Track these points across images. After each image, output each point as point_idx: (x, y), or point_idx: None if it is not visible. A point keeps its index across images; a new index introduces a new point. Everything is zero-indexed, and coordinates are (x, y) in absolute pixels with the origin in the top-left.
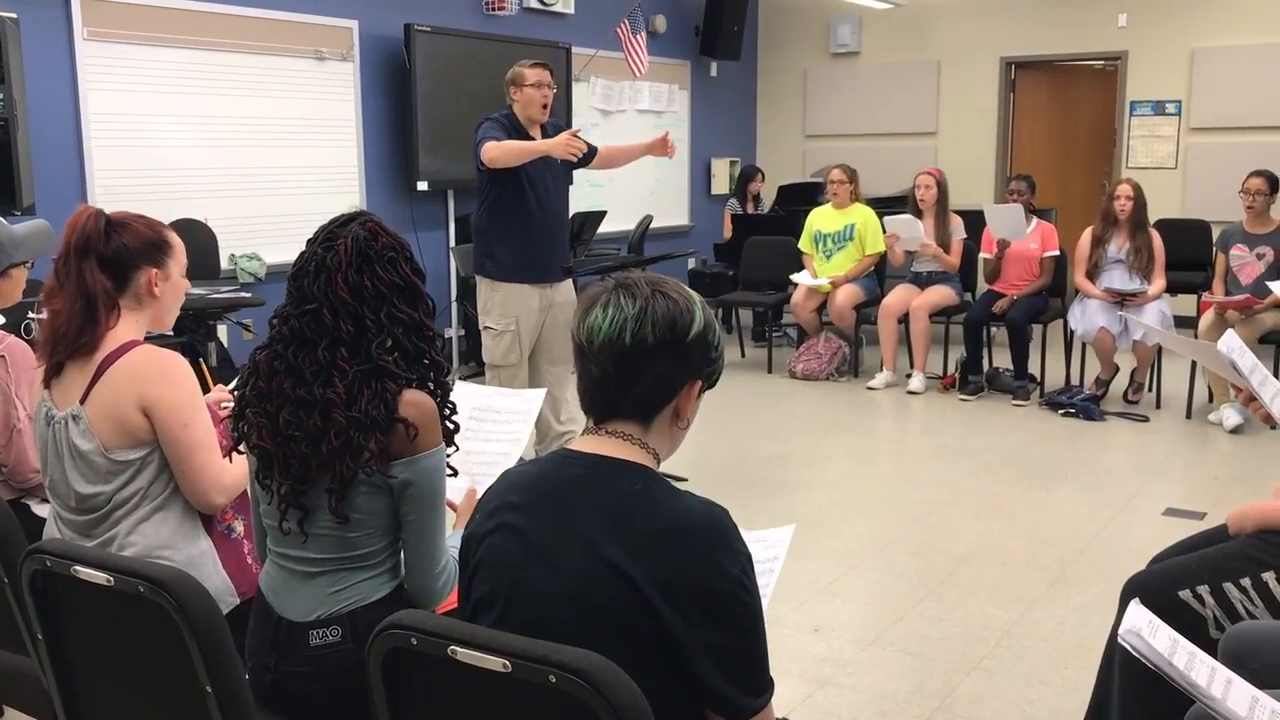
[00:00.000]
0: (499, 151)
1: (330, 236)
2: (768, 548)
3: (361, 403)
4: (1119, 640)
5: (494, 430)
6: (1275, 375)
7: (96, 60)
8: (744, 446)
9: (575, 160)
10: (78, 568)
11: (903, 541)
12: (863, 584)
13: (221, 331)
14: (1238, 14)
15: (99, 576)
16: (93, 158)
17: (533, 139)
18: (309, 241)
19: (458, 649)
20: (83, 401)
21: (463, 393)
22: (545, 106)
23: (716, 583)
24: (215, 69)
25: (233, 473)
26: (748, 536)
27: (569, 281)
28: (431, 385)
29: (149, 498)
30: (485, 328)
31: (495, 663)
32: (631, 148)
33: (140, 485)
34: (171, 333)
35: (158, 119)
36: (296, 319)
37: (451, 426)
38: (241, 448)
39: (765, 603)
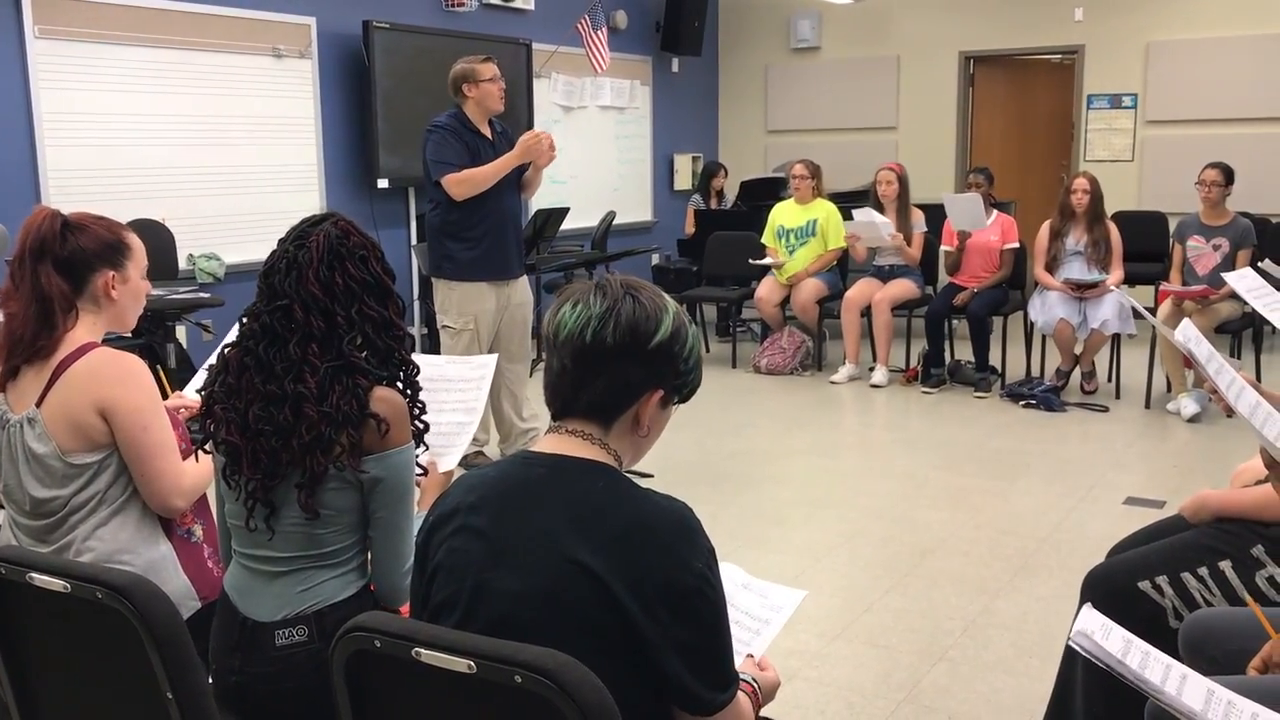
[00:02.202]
0: (467, 188)
1: (302, 235)
2: (768, 608)
3: (333, 398)
4: (1069, 642)
5: (448, 399)
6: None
7: (48, 59)
8: (709, 442)
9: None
10: (33, 575)
11: (867, 534)
12: (828, 577)
13: (180, 332)
14: (1192, 8)
15: (55, 583)
16: (46, 158)
17: (485, 136)
18: (280, 240)
19: (422, 651)
20: (39, 405)
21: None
22: (501, 99)
23: (682, 578)
24: (171, 67)
25: (192, 476)
26: (757, 584)
27: (525, 280)
28: (401, 384)
29: (106, 502)
30: (444, 327)
31: (460, 664)
32: (529, 178)
33: (97, 489)
34: (129, 334)
35: (113, 118)
36: (268, 315)
37: (421, 426)
38: (207, 448)
39: (761, 650)
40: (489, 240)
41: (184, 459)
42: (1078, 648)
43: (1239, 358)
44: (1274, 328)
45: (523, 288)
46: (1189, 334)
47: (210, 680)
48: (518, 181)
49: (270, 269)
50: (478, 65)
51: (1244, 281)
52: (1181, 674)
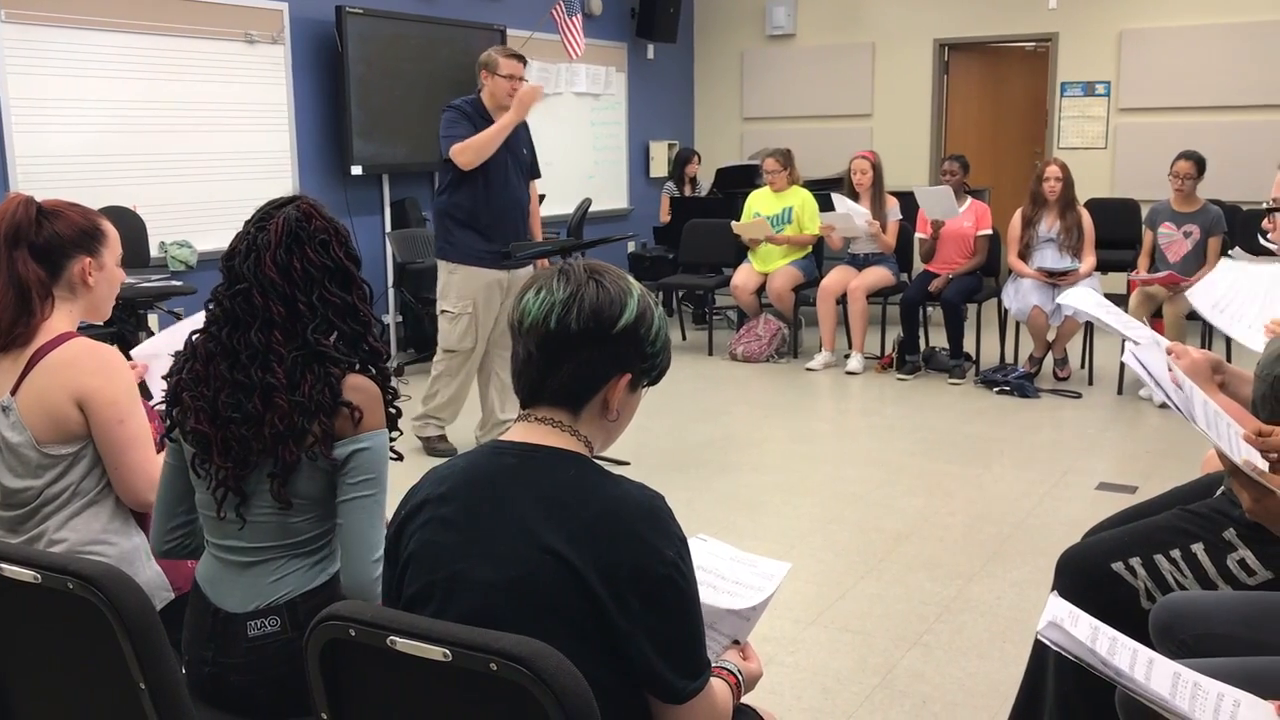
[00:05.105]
0: (470, 154)
1: (264, 218)
2: (761, 575)
3: (305, 387)
4: (1037, 636)
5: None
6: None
7: (16, 43)
8: (685, 429)
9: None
10: (3, 565)
11: (842, 520)
12: (804, 563)
13: (152, 321)
14: None
15: (25, 574)
16: (14, 144)
17: None
18: (246, 222)
19: (397, 639)
20: (14, 393)
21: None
22: (511, 96)
23: (652, 566)
24: (142, 52)
25: None
26: (744, 556)
27: (531, 269)
28: (373, 370)
29: (80, 494)
30: (442, 311)
31: (435, 652)
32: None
33: (71, 481)
34: (101, 323)
35: (83, 104)
36: (228, 300)
37: (395, 411)
38: (174, 435)
39: (749, 630)
40: (493, 227)
41: (160, 450)
42: (1047, 641)
43: (1210, 346)
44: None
45: (527, 276)
46: (1079, 305)
47: (184, 671)
48: (528, 172)
49: (231, 251)
50: (500, 58)
51: (1206, 299)
52: (1149, 659)
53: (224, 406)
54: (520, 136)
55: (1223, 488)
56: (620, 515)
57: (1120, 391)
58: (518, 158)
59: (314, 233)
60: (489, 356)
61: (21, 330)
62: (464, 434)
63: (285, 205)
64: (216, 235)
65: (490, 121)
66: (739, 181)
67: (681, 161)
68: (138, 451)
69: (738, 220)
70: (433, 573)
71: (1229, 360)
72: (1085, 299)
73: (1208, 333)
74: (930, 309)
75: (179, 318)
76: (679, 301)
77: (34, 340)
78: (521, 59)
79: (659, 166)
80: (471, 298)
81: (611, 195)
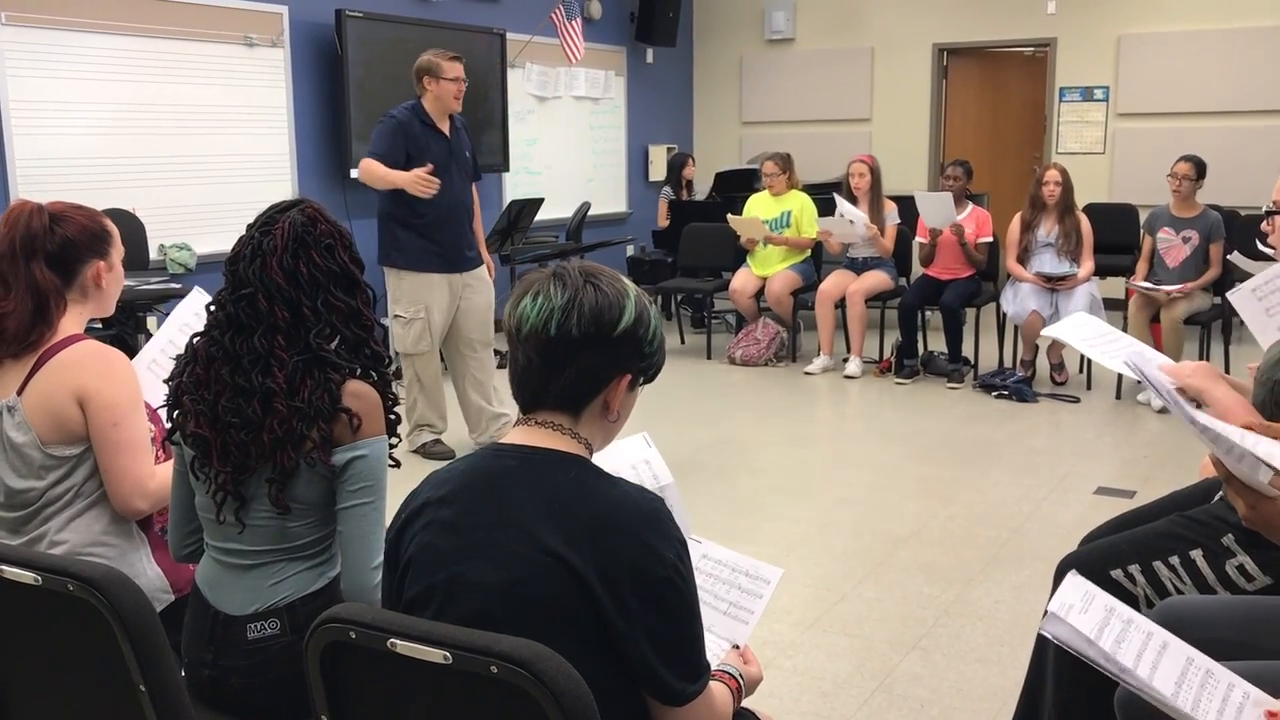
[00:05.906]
0: (365, 175)
1: (269, 222)
2: (757, 580)
3: (305, 393)
4: (1040, 631)
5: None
6: (1206, 359)
7: (16, 45)
8: (683, 432)
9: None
10: (3, 567)
11: (841, 524)
12: (802, 567)
13: (151, 323)
14: (1163, 1)
15: (26, 576)
16: (14, 146)
17: (440, 131)
18: (249, 226)
19: (397, 641)
20: (20, 393)
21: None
22: (458, 99)
23: (652, 568)
24: (142, 55)
25: (159, 479)
26: (738, 560)
27: (482, 269)
28: (374, 375)
29: (82, 495)
30: (395, 316)
31: (435, 655)
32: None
33: (74, 482)
34: (100, 325)
35: (82, 106)
36: (232, 304)
37: (394, 418)
38: (175, 437)
39: (747, 634)
40: (439, 230)
41: (164, 458)
42: (1049, 635)
43: (1208, 351)
44: (1242, 320)
45: (480, 275)
46: (1063, 332)
47: (183, 673)
48: (469, 172)
49: (236, 256)
50: (443, 62)
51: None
52: (1162, 642)
53: (224, 411)
54: (463, 139)
55: (1220, 493)
56: (620, 517)
57: (1119, 396)
58: (460, 160)
59: (319, 237)
60: (460, 359)
61: (37, 338)
62: (461, 436)
63: (289, 209)
64: (216, 238)
65: (432, 128)
66: (738, 185)
67: (677, 165)
68: (129, 457)
69: None
70: (433, 575)
71: (1228, 371)
72: (1071, 332)
73: (1206, 338)
74: (929, 313)
75: None
76: (678, 305)
77: (44, 343)
78: (460, 59)
79: (658, 170)
80: (424, 302)
81: (610, 199)
